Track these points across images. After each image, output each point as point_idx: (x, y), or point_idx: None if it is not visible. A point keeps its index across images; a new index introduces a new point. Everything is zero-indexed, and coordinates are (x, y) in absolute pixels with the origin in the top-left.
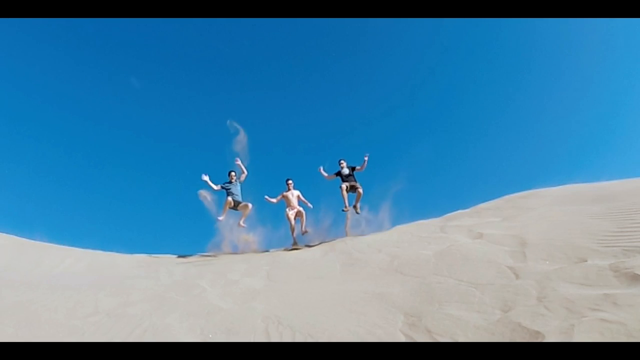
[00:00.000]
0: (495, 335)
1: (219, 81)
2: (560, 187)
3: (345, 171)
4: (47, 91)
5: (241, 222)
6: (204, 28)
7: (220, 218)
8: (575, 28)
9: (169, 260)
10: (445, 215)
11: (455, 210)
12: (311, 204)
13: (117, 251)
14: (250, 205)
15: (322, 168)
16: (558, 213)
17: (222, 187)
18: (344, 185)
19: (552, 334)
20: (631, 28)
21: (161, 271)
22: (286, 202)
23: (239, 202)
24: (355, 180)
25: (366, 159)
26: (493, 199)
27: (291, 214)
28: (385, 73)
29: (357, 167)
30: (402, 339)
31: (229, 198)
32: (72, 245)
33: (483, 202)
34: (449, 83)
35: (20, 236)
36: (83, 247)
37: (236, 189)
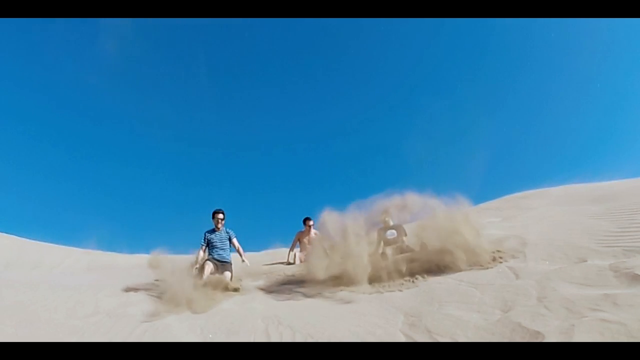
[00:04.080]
0: (495, 335)
1: (219, 80)
2: (560, 187)
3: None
4: (47, 91)
5: (229, 286)
6: (207, 28)
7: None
8: (575, 28)
9: (168, 260)
10: None
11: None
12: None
13: (117, 251)
14: (231, 274)
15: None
16: (558, 213)
17: (204, 242)
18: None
19: (552, 334)
20: (631, 28)
21: (161, 270)
22: (300, 247)
23: (225, 262)
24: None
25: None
26: (493, 199)
27: (302, 256)
28: (385, 72)
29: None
30: (402, 339)
31: (208, 263)
32: (72, 245)
33: (483, 202)
34: (449, 83)
35: (20, 236)
36: (83, 247)
37: (221, 241)
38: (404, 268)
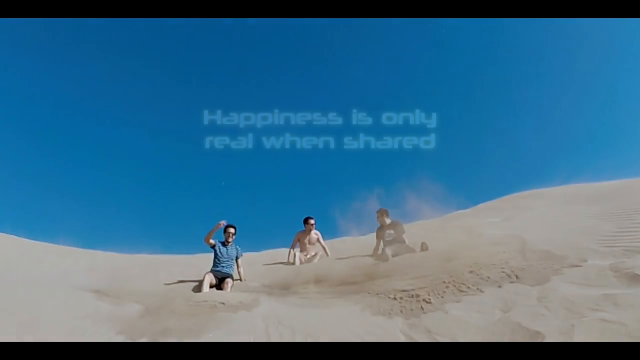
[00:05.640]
0: (495, 335)
1: (219, 78)
2: (560, 187)
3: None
4: (46, 90)
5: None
6: (211, 29)
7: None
8: (575, 28)
9: (168, 260)
10: (446, 215)
11: (455, 211)
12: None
13: (117, 251)
14: (232, 282)
15: None
16: (558, 213)
17: (214, 247)
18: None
19: (552, 334)
20: (632, 28)
21: (161, 271)
22: (301, 247)
23: (226, 276)
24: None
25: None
26: (493, 199)
27: (302, 257)
28: (385, 71)
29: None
30: (402, 339)
31: (209, 275)
32: (72, 245)
33: (483, 202)
34: (448, 82)
35: (20, 236)
36: (83, 247)
37: (229, 257)
38: (403, 278)
